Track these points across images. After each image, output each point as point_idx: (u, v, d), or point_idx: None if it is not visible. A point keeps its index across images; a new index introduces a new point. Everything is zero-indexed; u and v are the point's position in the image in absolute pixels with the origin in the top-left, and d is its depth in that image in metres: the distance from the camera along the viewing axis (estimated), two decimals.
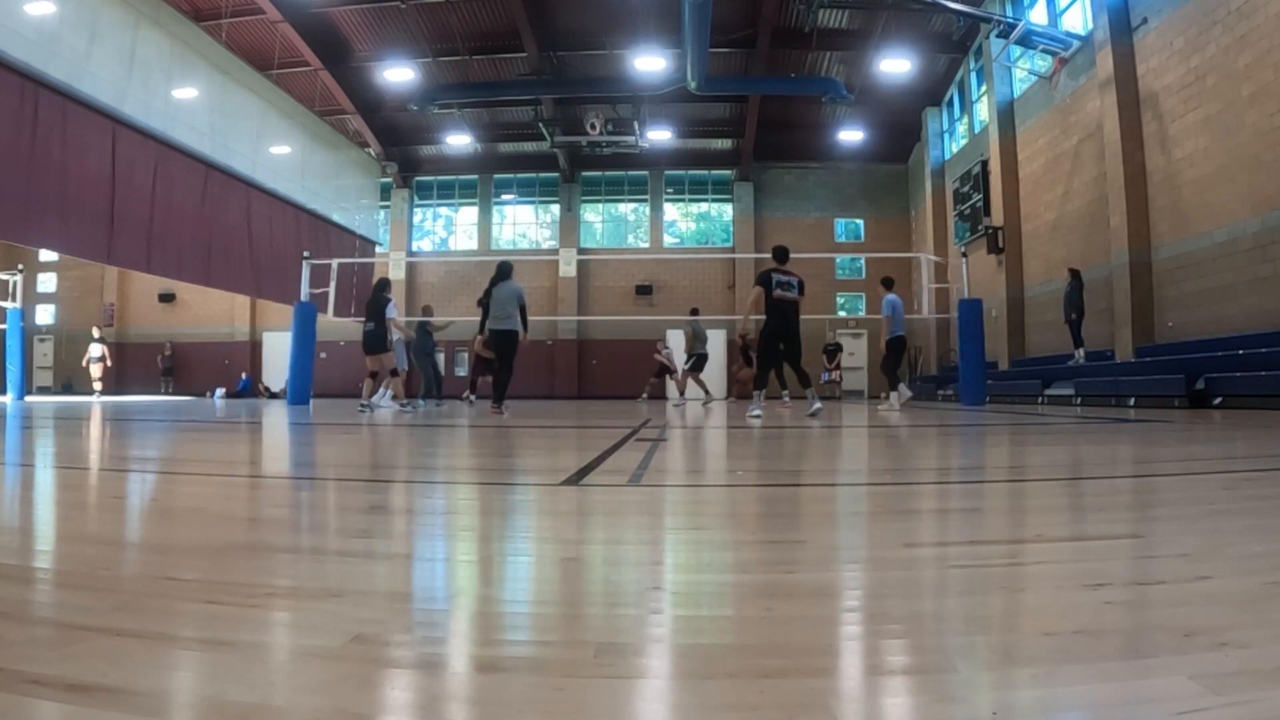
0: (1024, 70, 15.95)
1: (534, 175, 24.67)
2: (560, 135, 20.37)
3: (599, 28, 18.40)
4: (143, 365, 24.32)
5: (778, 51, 19.08)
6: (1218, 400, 9.59)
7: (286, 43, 17.96)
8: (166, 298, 24.77)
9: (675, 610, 1.11)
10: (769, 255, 8.03)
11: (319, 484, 2.80)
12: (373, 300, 9.84)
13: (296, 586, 1.24)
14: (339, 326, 18.38)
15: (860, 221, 23.94)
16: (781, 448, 4.41)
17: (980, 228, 17.72)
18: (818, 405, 7.91)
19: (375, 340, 9.55)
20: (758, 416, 7.25)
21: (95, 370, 17.90)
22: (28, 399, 15.09)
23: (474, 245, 24.95)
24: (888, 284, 11.02)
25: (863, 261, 23.13)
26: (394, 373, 10.10)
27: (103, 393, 17.97)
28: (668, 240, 24.65)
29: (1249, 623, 0.99)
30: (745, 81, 19.97)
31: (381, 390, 10.26)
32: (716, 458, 3.93)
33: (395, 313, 9.84)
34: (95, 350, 17.97)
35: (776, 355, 8.16)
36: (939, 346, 20.51)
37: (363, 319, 9.89)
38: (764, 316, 8.00)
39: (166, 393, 23.23)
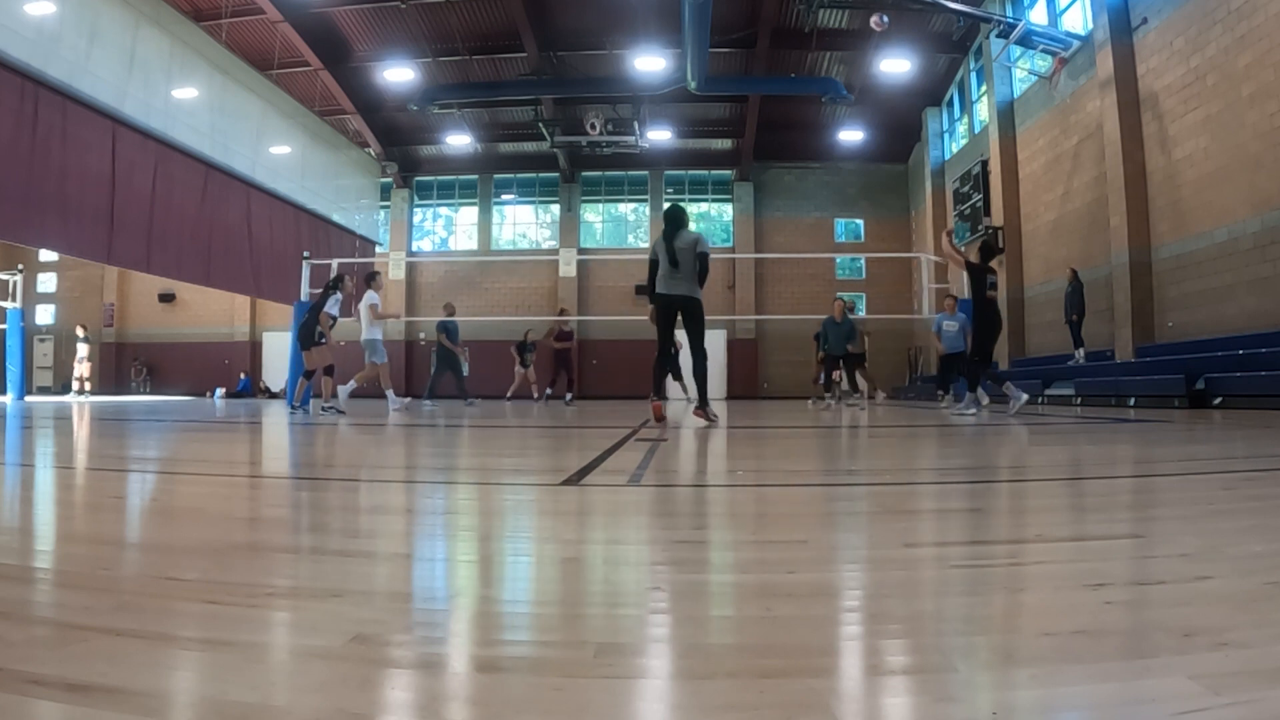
0: (1024, 70, 15.94)
1: (534, 175, 24.66)
2: (560, 135, 20.37)
3: (599, 28, 18.40)
4: (143, 365, 24.37)
5: (778, 51, 19.08)
6: (1218, 400, 9.59)
7: (286, 43, 17.96)
8: (166, 298, 24.79)
9: (675, 610, 1.11)
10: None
11: (318, 484, 2.80)
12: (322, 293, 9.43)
13: (296, 586, 1.24)
14: (339, 327, 18.36)
15: (860, 221, 23.93)
16: (782, 448, 4.41)
17: (980, 228, 17.72)
18: (1021, 399, 7.67)
19: (302, 334, 9.10)
20: (974, 414, 7.14)
21: (82, 370, 17.88)
22: (27, 399, 15.09)
23: (474, 245, 24.95)
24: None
25: (863, 261, 23.11)
26: (329, 371, 9.53)
27: (90, 392, 17.94)
28: None
29: (1249, 623, 0.98)
30: (745, 81, 19.96)
31: (344, 389, 9.51)
32: (716, 458, 3.93)
33: (335, 309, 9.44)
34: (82, 350, 17.96)
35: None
36: None
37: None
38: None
39: (141, 392, 23.21)
